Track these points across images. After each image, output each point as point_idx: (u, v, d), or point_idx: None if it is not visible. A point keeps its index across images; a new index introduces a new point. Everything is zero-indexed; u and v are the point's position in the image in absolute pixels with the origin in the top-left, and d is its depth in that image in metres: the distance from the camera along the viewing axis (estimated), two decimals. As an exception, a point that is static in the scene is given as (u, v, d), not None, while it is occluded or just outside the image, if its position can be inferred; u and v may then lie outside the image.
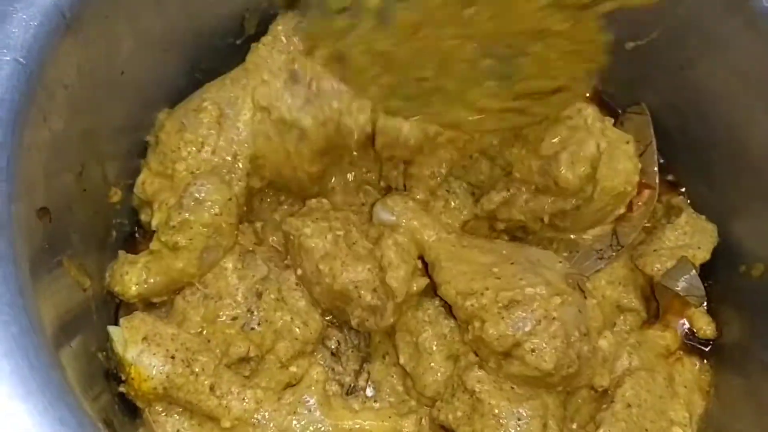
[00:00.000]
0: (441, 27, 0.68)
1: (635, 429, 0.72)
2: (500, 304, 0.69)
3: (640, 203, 0.80)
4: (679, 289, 0.77)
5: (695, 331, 0.79)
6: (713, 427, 0.76)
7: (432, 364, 0.74)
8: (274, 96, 0.74)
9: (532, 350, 0.67)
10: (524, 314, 0.68)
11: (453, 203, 0.77)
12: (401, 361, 0.76)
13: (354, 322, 0.76)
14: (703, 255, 0.78)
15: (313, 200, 0.79)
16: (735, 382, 0.77)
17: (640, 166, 0.76)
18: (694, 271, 0.77)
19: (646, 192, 0.81)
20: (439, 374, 0.74)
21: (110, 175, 0.74)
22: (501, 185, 0.74)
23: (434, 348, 0.74)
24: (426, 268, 0.76)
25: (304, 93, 0.75)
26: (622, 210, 0.78)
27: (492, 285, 0.70)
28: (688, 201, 0.84)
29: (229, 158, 0.75)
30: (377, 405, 0.75)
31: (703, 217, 0.81)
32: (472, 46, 0.68)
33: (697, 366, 0.79)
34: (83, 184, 0.69)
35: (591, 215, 0.77)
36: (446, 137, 0.76)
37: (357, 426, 0.70)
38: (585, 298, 0.72)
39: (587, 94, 0.81)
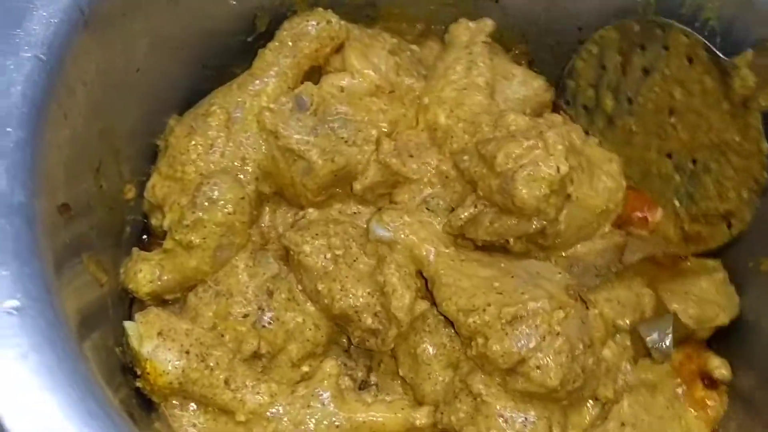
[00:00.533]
0: (649, 136, 0.81)
1: None
2: (503, 320, 0.68)
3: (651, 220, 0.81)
4: (647, 339, 0.76)
5: (710, 373, 0.78)
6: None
7: (430, 374, 0.73)
8: (281, 123, 0.75)
9: (537, 367, 0.67)
10: (528, 330, 0.67)
11: (434, 222, 0.76)
12: (401, 372, 0.75)
13: (354, 341, 0.75)
14: (722, 319, 0.77)
15: (311, 211, 0.78)
16: (748, 408, 0.76)
17: (624, 183, 0.76)
18: (670, 329, 0.76)
19: (660, 211, 0.81)
20: (437, 384, 0.73)
21: (125, 172, 0.75)
22: (469, 201, 0.74)
23: (433, 358, 0.73)
24: (426, 283, 0.75)
25: (312, 121, 0.75)
26: (606, 228, 0.78)
27: (494, 300, 0.69)
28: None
29: (237, 162, 0.76)
30: (389, 398, 0.75)
31: (733, 287, 0.80)
32: (667, 161, 0.80)
33: (709, 390, 0.78)
34: (100, 180, 0.69)
35: (574, 233, 0.76)
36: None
37: (371, 418, 0.70)
38: (587, 308, 0.72)
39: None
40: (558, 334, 0.67)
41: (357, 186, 0.77)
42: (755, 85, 0.71)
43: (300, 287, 0.75)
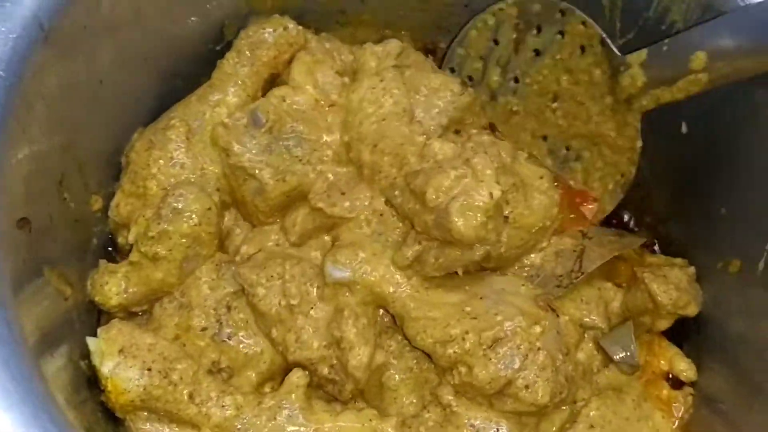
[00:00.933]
0: (528, 117, 0.83)
1: None
2: (484, 346, 0.68)
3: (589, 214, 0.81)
4: (613, 355, 0.76)
5: (676, 374, 0.78)
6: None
7: (396, 399, 0.73)
8: (234, 140, 0.73)
9: (526, 386, 0.67)
10: (510, 351, 0.67)
11: (388, 253, 0.73)
12: (365, 397, 0.75)
13: (312, 384, 0.73)
14: (693, 309, 0.77)
15: (269, 244, 0.76)
16: (712, 409, 0.76)
17: (557, 197, 0.76)
18: (632, 340, 0.76)
19: (594, 204, 0.81)
20: (403, 407, 0.73)
21: (91, 184, 0.74)
22: (411, 239, 0.72)
23: (400, 384, 0.73)
24: (394, 319, 0.74)
25: (266, 139, 0.74)
26: (544, 244, 0.77)
27: (470, 327, 0.69)
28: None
29: (197, 173, 0.75)
30: (360, 405, 0.74)
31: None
32: (542, 143, 0.84)
33: (674, 390, 0.78)
34: (63, 193, 0.69)
35: (513, 253, 0.75)
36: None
37: (338, 428, 0.69)
38: (557, 316, 0.72)
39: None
40: (539, 349, 0.68)
41: (291, 238, 0.75)
42: (643, 86, 0.73)
43: (254, 327, 0.74)
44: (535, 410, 0.68)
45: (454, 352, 0.69)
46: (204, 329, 0.73)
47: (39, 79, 0.62)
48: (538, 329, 0.68)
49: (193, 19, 0.78)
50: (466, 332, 0.69)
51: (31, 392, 0.52)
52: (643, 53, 0.72)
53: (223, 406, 0.69)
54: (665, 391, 0.77)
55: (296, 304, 0.72)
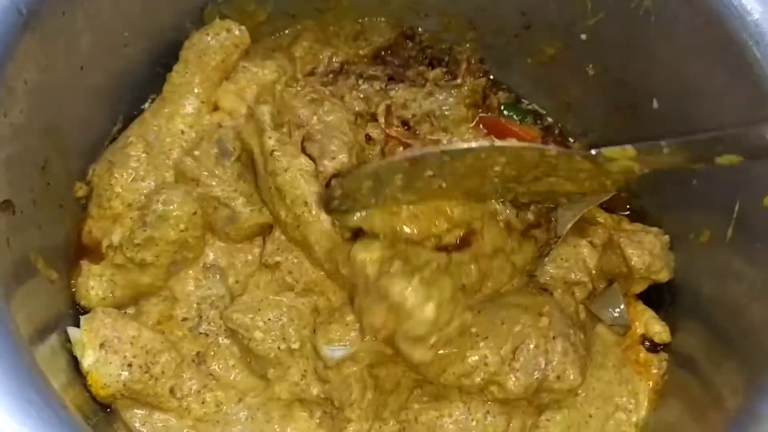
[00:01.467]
0: (462, 181, 0.68)
1: (578, 416, 0.73)
2: (507, 360, 0.68)
3: None
4: (604, 317, 0.78)
5: (651, 337, 0.80)
6: (662, 414, 0.77)
7: (396, 399, 0.73)
8: (204, 171, 0.73)
9: (558, 377, 0.69)
10: (532, 353, 0.68)
11: None
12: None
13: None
14: (664, 275, 0.79)
15: (261, 281, 0.74)
16: (687, 370, 0.78)
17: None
18: (623, 305, 0.78)
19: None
20: (399, 404, 0.73)
21: (74, 170, 0.75)
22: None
23: (403, 388, 0.73)
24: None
25: (237, 168, 0.73)
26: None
27: (487, 350, 0.69)
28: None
29: (160, 182, 0.75)
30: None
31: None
32: (495, 179, 0.69)
33: (650, 354, 0.80)
34: (47, 178, 0.69)
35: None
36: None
37: None
38: (551, 294, 0.74)
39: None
40: (554, 338, 0.69)
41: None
42: (641, 172, 0.65)
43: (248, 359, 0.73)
44: (572, 392, 0.70)
45: (482, 378, 0.69)
46: (185, 320, 0.73)
47: (19, 64, 0.63)
48: (545, 320, 0.70)
49: (171, 3, 0.79)
50: (485, 356, 0.69)
51: (16, 366, 0.53)
52: (628, 150, 0.63)
53: (203, 402, 0.70)
54: (642, 354, 0.79)
55: (297, 348, 0.70)
